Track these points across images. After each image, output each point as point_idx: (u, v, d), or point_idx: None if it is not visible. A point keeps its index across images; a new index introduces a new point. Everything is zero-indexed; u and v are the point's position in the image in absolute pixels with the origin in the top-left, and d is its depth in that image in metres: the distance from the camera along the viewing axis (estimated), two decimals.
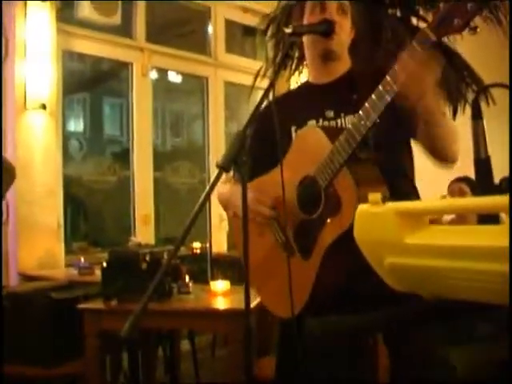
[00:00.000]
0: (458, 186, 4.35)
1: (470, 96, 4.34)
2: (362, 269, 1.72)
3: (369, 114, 1.72)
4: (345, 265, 1.80)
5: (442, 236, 0.98)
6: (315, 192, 1.88)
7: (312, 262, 1.89)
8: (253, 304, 2.73)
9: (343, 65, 2.14)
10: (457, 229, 0.97)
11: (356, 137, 1.75)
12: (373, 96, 1.71)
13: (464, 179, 4.27)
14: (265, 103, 2.24)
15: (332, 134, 1.86)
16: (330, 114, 2.04)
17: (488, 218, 0.94)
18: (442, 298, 1.04)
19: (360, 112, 1.76)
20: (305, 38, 2.13)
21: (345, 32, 2.08)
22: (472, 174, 1.13)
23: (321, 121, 2.05)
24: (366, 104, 1.73)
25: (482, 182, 1.10)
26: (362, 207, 1.07)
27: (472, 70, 4.37)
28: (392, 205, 1.02)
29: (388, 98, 1.67)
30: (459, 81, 4.32)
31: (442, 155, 1.89)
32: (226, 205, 2.26)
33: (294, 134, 2.10)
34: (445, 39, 4.15)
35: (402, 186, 1.93)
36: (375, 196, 1.03)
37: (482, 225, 0.95)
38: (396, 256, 1.02)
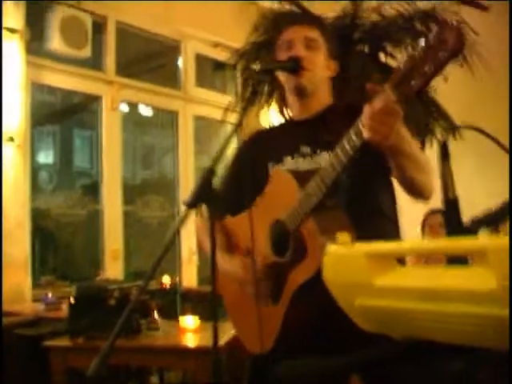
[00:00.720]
0: (437, 220, 4.32)
1: (438, 131, 4.40)
2: (331, 312, 1.75)
3: (336, 162, 1.73)
4: (312, 308, 1.84)
5: (411, 277, 0.98)
6: (285, 236, 1.89)
7: (281, 304, 1.90)
8: (223, 341, 2.70)
9: (321, 100, 2.13)
10: (426, 270, 0.97)
11: (324, 184, 1.76)
12: (341, 143, 1.72)
13: (439, 211, 4.24)
14: (242, 141, 2.27)
15: (302, 178, 1.87)
16: (306, 150, 2.04)
17: (456, 259, 0.94)
18: (412, 339, 1.04)
19: (329, 159, 1.77)
20: (280, 75, 2.13)
21: (318, 67, 2.07)
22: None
23: (296, 157, 2.05)
24: (335, 150, 1.74)
25: (450, 222, 1.10)
26: (330, 248, 1.07)
27: (439, 105, 4.44)
28: (361, 246, 1.02)
29: (352, 152, 1.68)
30: (427, 115, 4.39)
31: (416, 189, 1.88)
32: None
33: (270, 171, 2.10)
34: None
35: (376, 226, 1.91)
36: (344, 237, 1.03)
37: (450, 265, 0.95)
38: (365, 297, 1.02)
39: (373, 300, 1.01)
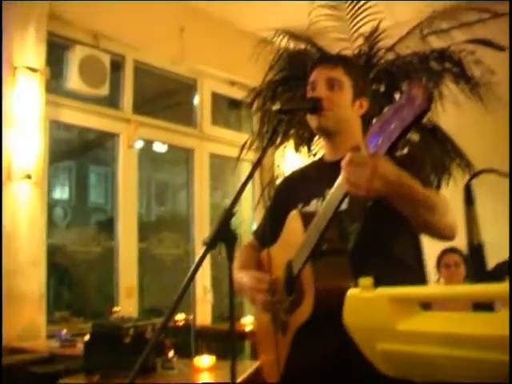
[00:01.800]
0: (453, 259, 4.30)
1: (454, 169, 4.41)
2: (328, 356, 1.77)
3: (328, 210, 1.73)
4: (311, 349, 1.88)
5: (434, 323, 0.97)
6: (292, 277, 1.92)
7: (287, 340, 1.93)
8: (240, 379, 2.68)
9: (350, 140, 2.03)
10: (450, 316, 0.96)
11: (318, 231, 1.76)
12: (332, 190, 1.71)
13: (454, 250, 4.23)
14: (282, 178, 2.31)
15: (308, 219, 1.87)
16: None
17: (482, 305, 0.94)
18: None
19: (322, 206, 1.78)
20: (307, 116, 2.13)
21: (339, 107, 2.04)
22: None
23: (321, 200, 2.04)
24: (327, 197, 1.74)
25: (476, 268, 1.09)
26: (352, 291, 1.06)
27: (455, 143, 4.45)
28: (383, 290, 1.01)
29: (338, 201, 1.67)
30: (443, 154, 4.39)
31: (433, 232, 1.80)
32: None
33: None
34: (429, 115, 4.25)
35: (386, 271, 1.82)
36: (366, 281, 1.03)
37: (476, 311, 0.95)
38: (388, 342, 1.01)
39: (395, 345, 1.00)
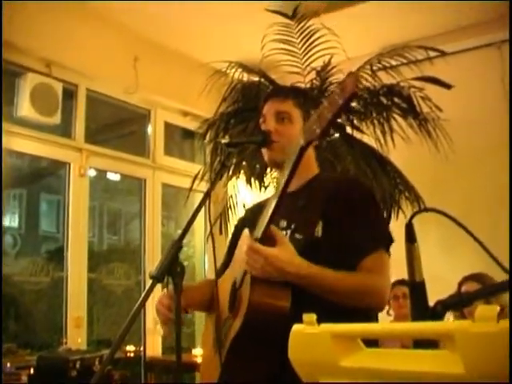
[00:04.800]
0: (402, 291, 4.36)
1: (403, 202, 4.47)
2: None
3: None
4: (241, 369, 1.87)
5: (377, 360, 0.98)
6: (235, 292, 1.96)
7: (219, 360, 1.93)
8: None
9: (304, 170, 2.05)
10: (392, 352, 0.97)
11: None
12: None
13: (403, 282, 4.28)
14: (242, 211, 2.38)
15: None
16: (284, 223, 2.04)
17: (424, 342, 0.95)
18: None
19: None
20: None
21: (288, 139, 2.02)
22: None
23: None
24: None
25: (417, 305, 1.11)
26: (296, 327, 1.07)
27: (404, 177, 4.52)
28: (327, 326, 1.02)
29: None
30: (392, 187, 4.46)
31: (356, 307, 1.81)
32: None
33: None
34: (379, 148, 4.33)
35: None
36: (309, 317, 1.03)
37: (416, 347, 0.96)
38: (331, 378, 1.01)
39: (338, 380, 1.01)
